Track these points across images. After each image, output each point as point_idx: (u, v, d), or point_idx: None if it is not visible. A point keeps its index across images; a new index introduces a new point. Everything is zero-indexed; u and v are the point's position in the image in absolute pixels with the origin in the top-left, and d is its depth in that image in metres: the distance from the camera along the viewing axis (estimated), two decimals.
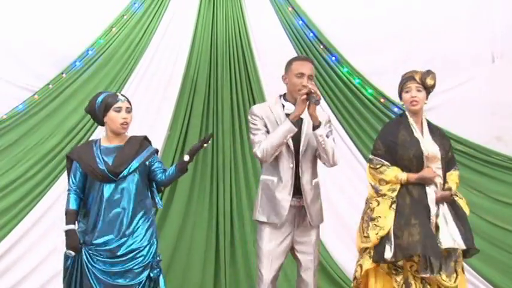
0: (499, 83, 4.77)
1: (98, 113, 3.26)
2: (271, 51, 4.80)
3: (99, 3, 4.74)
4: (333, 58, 4.81)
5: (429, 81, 3.52)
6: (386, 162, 3.48)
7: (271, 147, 3.27)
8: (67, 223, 3.21)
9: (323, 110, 3.65)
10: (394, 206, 3.41)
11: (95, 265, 3.17)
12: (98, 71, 4.73)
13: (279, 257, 3.39)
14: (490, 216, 4.74)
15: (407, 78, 3.56)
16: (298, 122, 3.33)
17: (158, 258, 3.32)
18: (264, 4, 4.83)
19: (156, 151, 3.41)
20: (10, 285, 4.59)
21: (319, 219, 3.50)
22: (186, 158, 3.29)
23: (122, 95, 3.31)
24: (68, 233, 3.19)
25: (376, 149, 3.56)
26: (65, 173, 3.72)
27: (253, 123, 3.41)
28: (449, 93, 4.74)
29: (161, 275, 3.31)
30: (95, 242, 3.18)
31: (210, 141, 3.41)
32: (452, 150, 3.69)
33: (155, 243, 3.30)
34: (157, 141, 4.72)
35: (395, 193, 3.43)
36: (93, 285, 3.17)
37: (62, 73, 4.71)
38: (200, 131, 4.83)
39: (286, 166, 3.37)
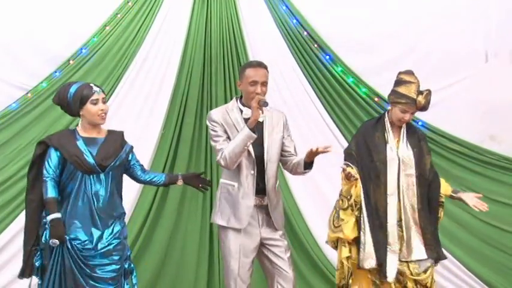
0: (493, 82, 4.78)
1: (72, 105, 3.20)
2: (265, 50, 4.79)
3: (93, 1, 4.73)
4: (327, 57, 4.81)
5: (427, 108, 3.48)
6: (350, 164, 3.48)
7: (234, 154, 3.25)
8: (51, 212, 3.12)
9: (280, 111, 3.61)
10: (357, 212, 3.45)
11: (80, 255, 3.13)
12: (92, 70, 4.72)
13: (247, 256, 3.39)
14: (485, 215, 4.69)
15: (409, 99, 3.41)
16: (258, 128, 3.33)
17: (130, 251, 3.40)
18: (258, 3, 4.83)
19: (132, 148, 3.42)
20: (2, 285, 4.57)
21: (282, 222, 3.51)
22: (180, 182, 3.49)
23: (95, 85, 3.26)
24: (54, 222, 3.11)
25: (348, 148, 3.59)
26: None
27: (213, 130, 3.39)
28: (444, 93, 4.74)
29: (133, 267, 3.38)
30: (75, 235, 3.15)
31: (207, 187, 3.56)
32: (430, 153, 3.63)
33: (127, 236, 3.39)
34: (151, 140, 4.76)
35: (353, 197, 3.46)
36: (79, 277, 3.13)
37: (56, 71, 4.71)
38: (193, 129, 4.83)
39: (247, 173, 3.36)
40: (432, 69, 4.71)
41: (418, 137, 3.58)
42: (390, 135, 3.51)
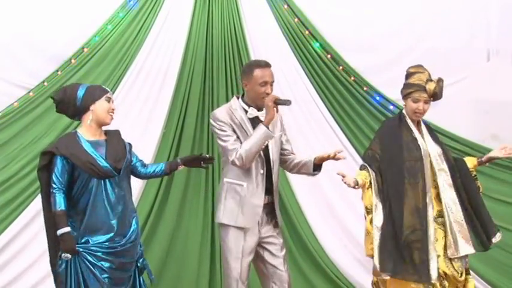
0: (494, 81, 4.79)
1: (81, 102, 3.15)
2: (266, 49, 4.80)
3: (95, 0, 4.72)
4: (329, 56, 4.81)
5: (440, 95, 3.45)
6: (367, 166, 3.45)
7: (251, 154, 3.24)
8: (61, 226, 3.04)
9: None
10: (373, 222, 3.39)
11: (100, 262, 3.11)
12: (93, 69, 4.72)
13: (248, 256, 3.39)
14: None
15: (417, 86, 3.41)
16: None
17: (142, 246, 3.39)
18: (259, 2, 4.83)
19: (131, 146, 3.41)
20: (3, 284, 4.56)
21: (280, 218, 3.55)
22: (181, 167, 3.45)
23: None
24: (64, 236, 3.05)
25: (370, 149, 3.52)
26: None
27: (221, 130, 3.35)
28: (445, 91, 4.64)
29: (146, 262, 3.37)
30: (97, 238, 3.12)
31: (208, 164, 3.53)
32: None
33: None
34: (152, 139, 4.76)
35: (364, 204, 3.43)
36: (101, 283, 3.11)
37: (57, 70, 4.70)
38: (195, 129, 4.82)
39: (256, 172, 3.36)
40: (433, 68, 4.63)
41: (433, 131, 3.58)
42: (416, 133, 3.47)
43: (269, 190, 3.41)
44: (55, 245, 3.17)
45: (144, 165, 3.43)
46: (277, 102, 3.25)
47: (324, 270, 4.75)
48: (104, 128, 3.29)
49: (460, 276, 3.39)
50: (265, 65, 3.40)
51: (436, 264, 3.33)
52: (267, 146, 3.36)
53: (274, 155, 3.42)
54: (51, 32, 4.67)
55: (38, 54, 4.71)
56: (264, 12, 4.82)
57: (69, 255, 3.06)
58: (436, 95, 3.43)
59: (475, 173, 3.56)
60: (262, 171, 3.36)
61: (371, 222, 3.38)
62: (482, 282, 4.70)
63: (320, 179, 4.80)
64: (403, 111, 3.54)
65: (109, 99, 3.21)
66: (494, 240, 3.52)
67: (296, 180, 4.77)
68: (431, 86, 3.41)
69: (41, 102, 4.69)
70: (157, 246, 4.77)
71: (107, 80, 4.69)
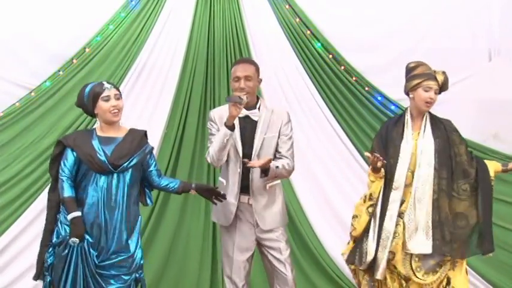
0: (496, 81, 4.78)
1: (87, 105, 3.21)
2: (268, 49, 4.81)
3: (96, 0, 4.74)
4: (330, 56, 4.81)
5: (447, 86, 3.44)
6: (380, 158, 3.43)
7: (215, 152, 3.28)
8: (71, 210, 3.09)
9: (283, 111, 3.59)
10: (370, 209, 3.39)
11: (89, 260, 3.12)
12: (95, 69, 4.72)
13: (241, 254, 3.39)
14: None
15: (428, 75, 3.39)
16: (251, 127, 3.36)
17: (143, 260, 3.36)
18: (261, 2, 4.83)
19: (152, 149, 3.39)
20: (3, 285, 4.57)
21: (277, 222, 3.47)
22: (193, 192, 3.41)
23: (108, 82, 3.25)
24: (74, 220, 3.09)
25: (372, 149, 3.52)
26: None
27: (209, 129, 3.46)
28: (447, 91, 4.72)
29: (143, 277, 3.34)
30: (88, 237, 3.13)
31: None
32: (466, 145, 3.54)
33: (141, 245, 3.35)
34: (154, 140, 4.72)
35: (370, 191, 3.42)
36: (90, 281, 3.12)
37: (59, 71, 4.71)
38: (197, 129, 4.83)
39: (234, 170, 3.39)
40: (435, 68, 4.71)
41: (444, 127, 3.50)
42: (409, 129, 3.44)
43: (247, 190, 3.40)
44: (47, 230, 3.23)
45: (159, 175, 3.41)
46: (232, 99, 3.23)
47: (324, 269, 4.75)
48: (131, 126, 3.32)
49: (425, 278, 3.31)
50: (242, 60, 3.47)
51: (384, 263, 3.32)
52: (251, 145, 3.36)
53: (258, 155, 3.38)
54: (53, 32, 4.68)
55: (39, 54, 4.72)
56: (265, 12, 4.82)
57: (77, 240, 3.08)
58: (444, 85, 3.44)
59: (493, 182, 3.46)
60: (238, 170, 3.37)
61: (367, 209, 3.39)
62: (483, 282, 4.69)
63: (321, 178, 4.83)
64: (407, 109, 3.52)
65: (107, 98, 3.17)
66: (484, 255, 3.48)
67: (296, 179, 4.76)
68: (440, 76, 3.41)
69: (43, 103, 4.70)
70: (158, 247, 4.77)
71: (108, 80, 4.66)
